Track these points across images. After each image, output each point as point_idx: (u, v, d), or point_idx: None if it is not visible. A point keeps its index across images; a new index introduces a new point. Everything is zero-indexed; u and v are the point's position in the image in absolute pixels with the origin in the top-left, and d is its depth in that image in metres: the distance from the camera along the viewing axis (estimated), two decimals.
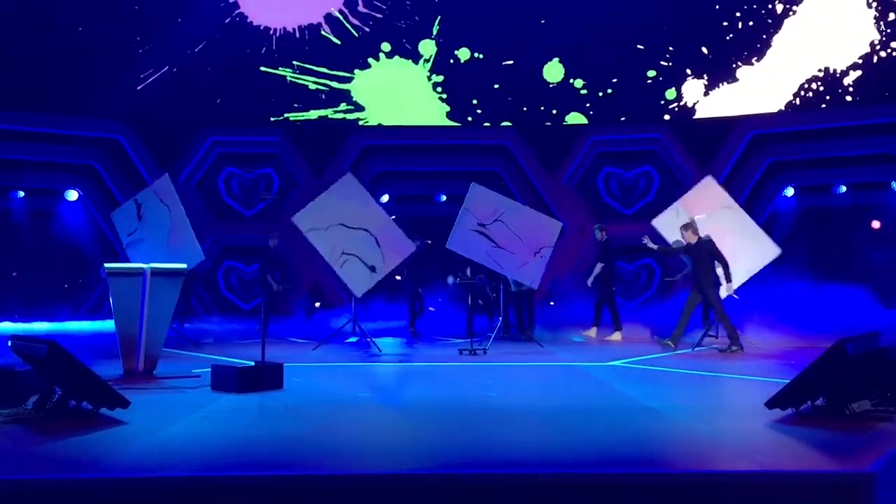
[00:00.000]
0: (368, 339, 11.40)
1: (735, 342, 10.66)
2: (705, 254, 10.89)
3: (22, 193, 16.22)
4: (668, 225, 11.94)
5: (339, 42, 18.01)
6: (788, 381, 5.97)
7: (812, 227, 16.27)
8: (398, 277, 13.58)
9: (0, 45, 16.22)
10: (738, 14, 17.25)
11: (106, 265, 8.76)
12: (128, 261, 10.88)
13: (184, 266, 9.26)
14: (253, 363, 7.64)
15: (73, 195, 16.49)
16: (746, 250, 11.39)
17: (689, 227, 11.14)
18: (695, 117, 17.57)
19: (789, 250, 15.10)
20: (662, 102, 17.67)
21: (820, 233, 16.25)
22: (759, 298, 13.95)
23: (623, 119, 17.79)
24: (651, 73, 17.63)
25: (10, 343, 6.42)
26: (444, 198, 17.32)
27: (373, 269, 11.11)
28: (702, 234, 11.04)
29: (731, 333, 10.73)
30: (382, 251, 11.22)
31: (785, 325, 12.95)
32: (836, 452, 4.90)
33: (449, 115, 18.03)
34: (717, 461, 4.77)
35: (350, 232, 11.18)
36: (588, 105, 17.89)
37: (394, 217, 11.99)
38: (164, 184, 11.26)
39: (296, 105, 17.87)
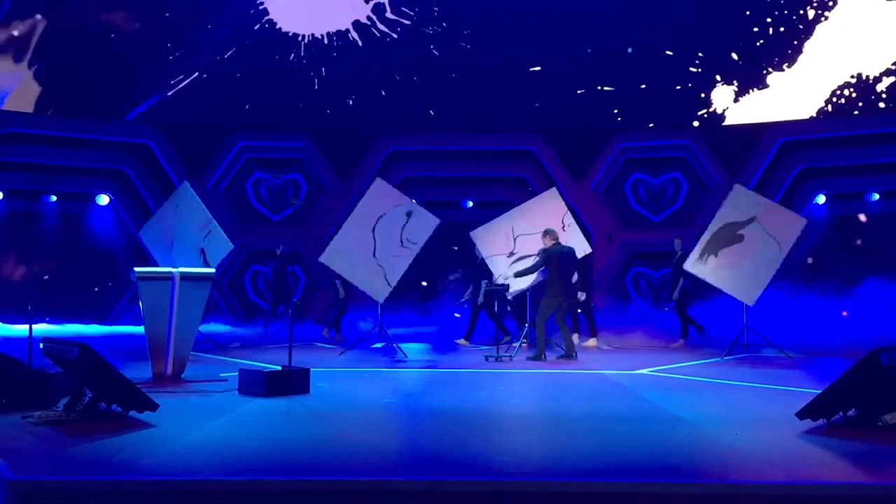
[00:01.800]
0: (394, 345, 11.42)
1: (541, 351, 10.61)
2: (554, 262, 10.74)
3: (54, 198, 16.44)
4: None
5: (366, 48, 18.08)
6: (820, 392, 5.89)
7: (844, 235, 16.05)
8: (424, 284, 13.58)
9: (35, 52, 16.49)
10: (768, 20, 17.10)
11: (136, 269, 8.86)
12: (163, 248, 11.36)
13: (212, 271, 9.35)
14: (280, 368, 7.68)
15: (104, 200, 16.69)
16: (775, 226, 11.13)
17: (548, 233, 11.02)
18: (724, 123, 17.41)
19: (821, 258, 14.93)
20: (691, 109, 17.53)
21: (852, 241, 16.03)
22: (790, 306, 13.79)
23: (651, 125, 17.68)
24: (680, 80, 17.51)
25: (41, 346, 6.50)
26: (470, 203, 17.32)
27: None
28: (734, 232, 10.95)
29: (539, 341, 10.69)
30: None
31: (816, 334, 12.78)
32: (869, 464, 4.82)
33: (476, 121, 18.01)
34: (748, 472, 4.71)
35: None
36: (616, 111, 17.80)
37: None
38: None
39: (327, 112, 17.96)
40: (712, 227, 11.20)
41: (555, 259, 10.75)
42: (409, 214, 11.23)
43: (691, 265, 11.33)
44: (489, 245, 11.80)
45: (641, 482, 4.41)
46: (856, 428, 5.62)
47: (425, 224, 11.31)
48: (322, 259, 11.59)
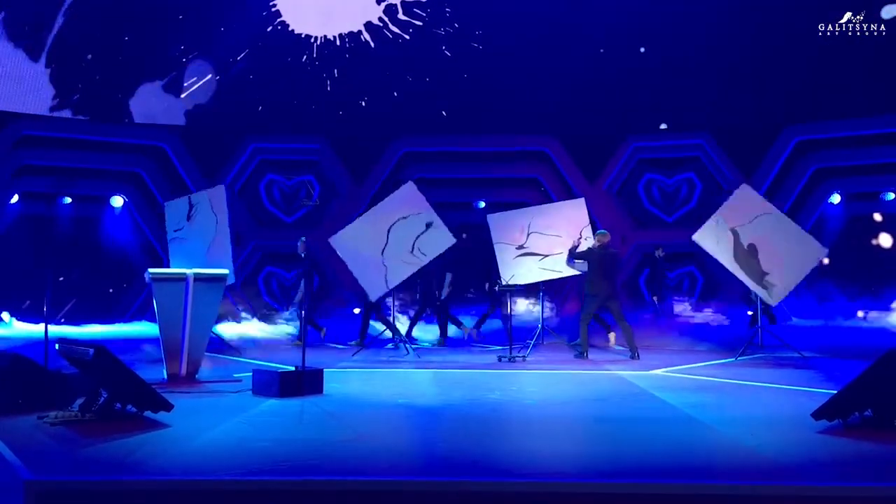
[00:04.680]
0: (407, 345, 11.42)
1: (584, 349, 10.83)
2: (594, 262, 10.86)
3: (69, 200, 16.54)
4: (710, 237, 11.56)
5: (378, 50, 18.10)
6: (836, 392, 5.86)
7: (860, 235, 15.94)
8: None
9: (50, 53, 16.61)
10: (783, 18, 16.98)
11: (150, 270, 8.91)
12: (167, 256, 11.28)
13: (226, 272, 9.39)
14: (293, 368, 7.70)
15: (118, 202, 16.79)
16: (792, 253, 11.10)
17: (598, 235, 11.17)
18: (738, 123, 17.32)
19: (836, 259, 14.84)
20: (705, 108, 17.44)
21: (868, 240, 15.93)
22: (805, 307, 13.71)
23: (665, 125, 17.62)
24: (694, 79, 17.43)
25: (57, 346, 6.55)
26: (482, 204, 17.30)
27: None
28: (745, 242, 10.92)
29: (582, 339, 10.91)
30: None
31: (832, 335, 12.71)
32: (885, 466, 4.79)
33: (488, 122, 18.00)
34: (762, 473, 4.69)
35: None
36: (629, 111, 17.74)
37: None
38: (218, 193, 11.69)
39: (339, 113, 18.00)
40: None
41: (595, 259, 10.90)
42: (428, 225, 11.21)
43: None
44: (502, 233, 11.81)
45: (656, 483, 4.40)
46: (872, 429, 5.59)
47: (441, 239, 11.30)
48: (332, 241, 11.54)
